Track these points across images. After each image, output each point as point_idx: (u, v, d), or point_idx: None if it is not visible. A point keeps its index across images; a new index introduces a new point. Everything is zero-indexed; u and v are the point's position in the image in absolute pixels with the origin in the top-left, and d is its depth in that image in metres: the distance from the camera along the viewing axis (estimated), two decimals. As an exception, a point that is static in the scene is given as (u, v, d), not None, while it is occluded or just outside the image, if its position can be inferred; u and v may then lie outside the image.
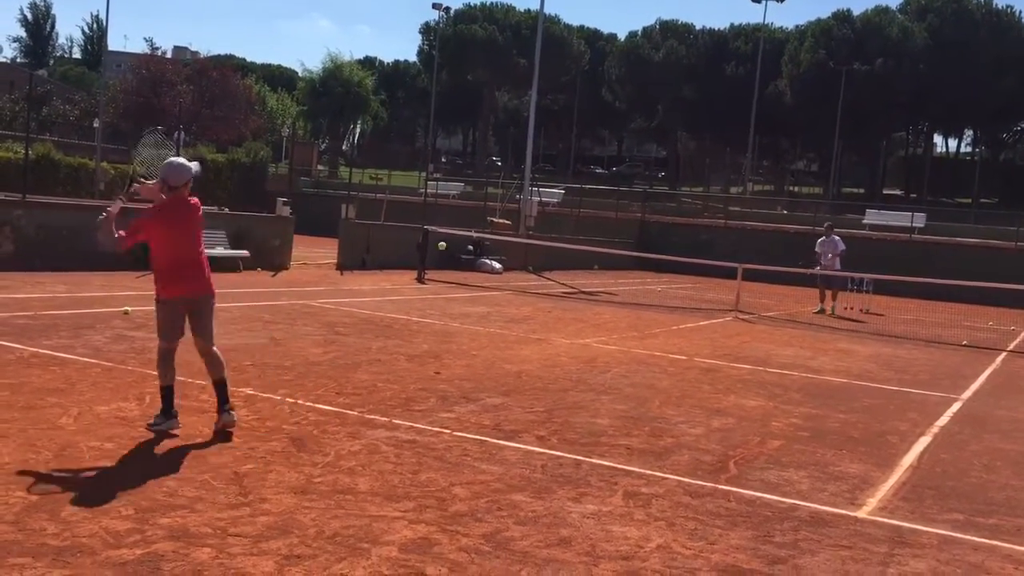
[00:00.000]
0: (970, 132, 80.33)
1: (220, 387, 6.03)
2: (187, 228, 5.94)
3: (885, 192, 73.40)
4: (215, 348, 6.04)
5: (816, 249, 20.31)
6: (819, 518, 5.26)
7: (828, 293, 20.12)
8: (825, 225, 21.55)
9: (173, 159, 6.08)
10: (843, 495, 5.79)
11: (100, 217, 5.82)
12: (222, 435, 5.87)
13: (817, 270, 20.15)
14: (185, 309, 5.95)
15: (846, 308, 21.28)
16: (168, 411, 5.96)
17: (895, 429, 8.03)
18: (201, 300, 5.98)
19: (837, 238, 20.16)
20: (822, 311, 19.74)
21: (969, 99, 62.82)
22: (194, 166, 5.99)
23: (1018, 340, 17.73)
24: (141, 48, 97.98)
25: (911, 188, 74.03)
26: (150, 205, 6.00)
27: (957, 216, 48.68)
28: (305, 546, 4.17)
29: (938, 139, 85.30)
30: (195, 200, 6.00)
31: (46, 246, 15.37)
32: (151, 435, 5.79)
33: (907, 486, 6.14)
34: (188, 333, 6.05)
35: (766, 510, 5.33)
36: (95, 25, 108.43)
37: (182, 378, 7.46)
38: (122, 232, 5.79)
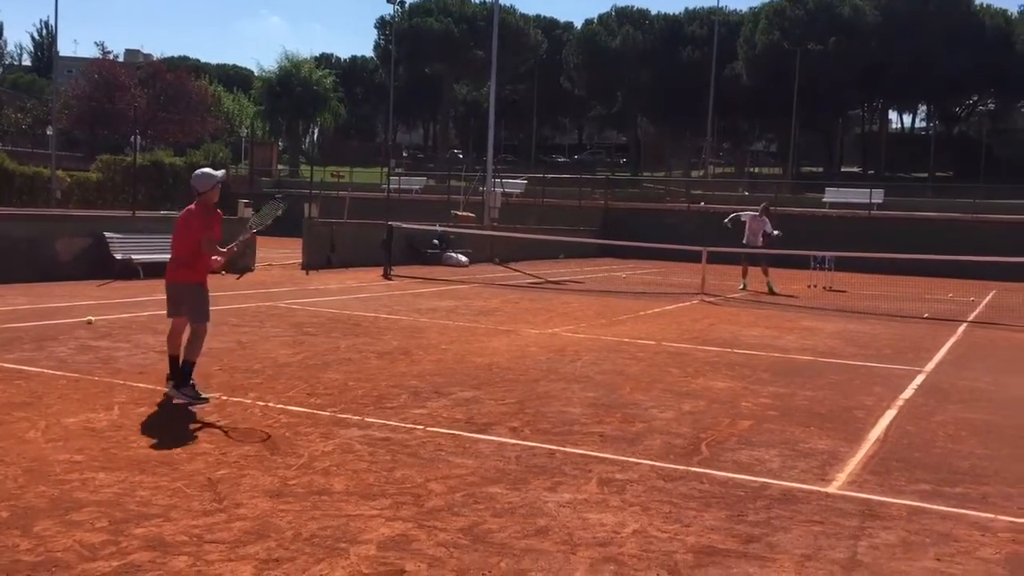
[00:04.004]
0: (924, 107, 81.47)
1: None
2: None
3: (843, 170, 74.29)
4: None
5: (743, 218, 20.35)
6: (791, 495, 5.35)
7: (750, 269, 20.40)
8: (762, 205, 21.27)
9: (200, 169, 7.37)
10: (813, 471, 5.89)
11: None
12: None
13: (744, 243, 20.30)
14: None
15: (809, 286, 21.55)
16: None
17: (861, 404, 8.16)
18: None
19: (766, 220, 20.17)
20: (744, 288, 20.00)
21: (921, 74, 63.76)
22: (219, 173, 7.28)
23: (978, 311, 18.06)
24: (92, 53, 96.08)
25: (868, 165, 74.99)
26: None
27: (914, 191, 49.38)
28: (283, 549, 4.17)
29: (893, 115, 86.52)
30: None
31: (4, 258, 15.13)
32: (121, 445, 5.75)
33: (875, 459, 6.25)
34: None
35: (739, 490, 5.40)
36: (44, 31, 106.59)
37: (153, 385, 7.41)
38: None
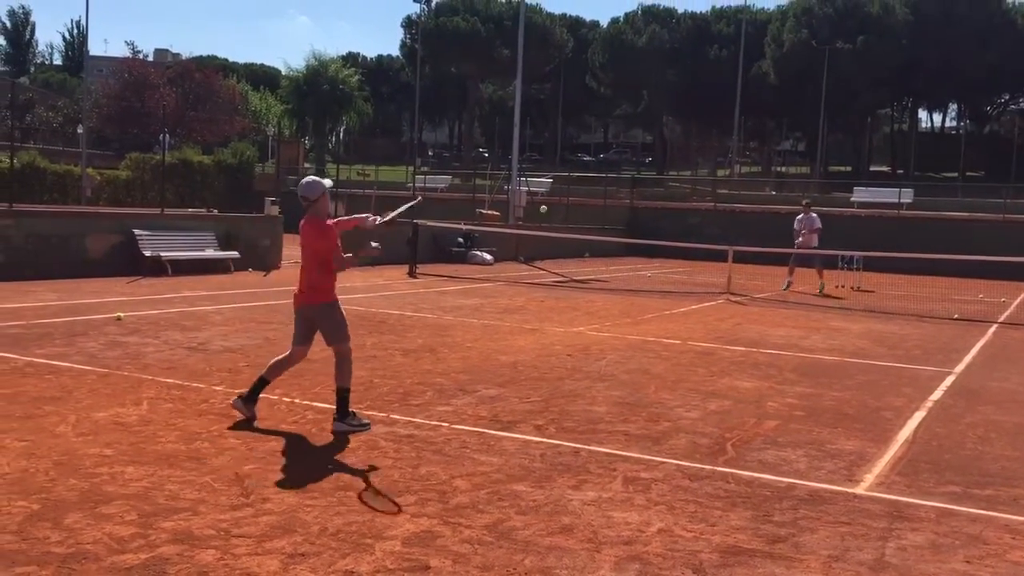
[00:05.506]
0: (954, 106, 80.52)
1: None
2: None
3: (872, 169, 73.58)
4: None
5: (795, 226, 20.69)
6: (817, 496, 5.31)
7: (797, 270, 20.45)
8: (803, 203, 21.81)
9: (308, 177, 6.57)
10: (840, 472, 5.84)
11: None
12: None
13: (797, 245, 20.39)
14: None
15: (838, 287, 21.38)
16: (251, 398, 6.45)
17: (890, 405, 8.08)
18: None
19: (814, 215, 20.49)
20: (788, 285, 20.04)
21: (952, 73, 62.99)
22: (327, 182, 6.55)
23: (1008, 312, 17.83)
24: (122, 52, 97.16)
25: (898, 164, 74.19)
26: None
27: (944, 190, 48.80)
28: (309, 544, 4.19)
29: (923, 114, 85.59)
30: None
31: (36, 254, 15.33)
32: (150, 440, 5.80)
33: (903, 461, 6.19)
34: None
35: (765, 490, 5.37)
36: (75, 30, 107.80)
37: (181, 381, 7.49)
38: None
